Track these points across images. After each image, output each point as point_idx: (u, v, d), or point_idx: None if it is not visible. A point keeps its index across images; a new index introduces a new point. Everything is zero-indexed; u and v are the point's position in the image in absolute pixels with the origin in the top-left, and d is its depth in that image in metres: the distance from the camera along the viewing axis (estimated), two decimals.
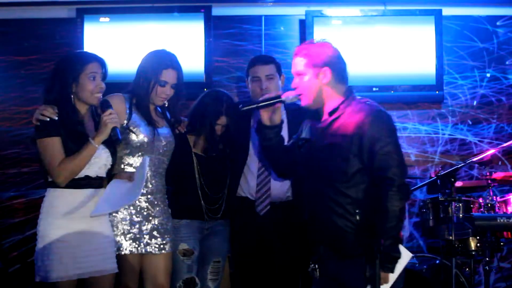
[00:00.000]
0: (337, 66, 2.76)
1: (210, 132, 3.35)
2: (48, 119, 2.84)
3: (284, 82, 3.64)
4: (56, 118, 2.85)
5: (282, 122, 2.92)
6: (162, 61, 3.18)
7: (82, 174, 2.90)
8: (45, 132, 2.85)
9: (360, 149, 2.61)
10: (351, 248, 2.63)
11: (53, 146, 2.85)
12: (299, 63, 2.76)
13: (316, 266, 2.78)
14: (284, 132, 3.50)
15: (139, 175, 2.99)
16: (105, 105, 2.95)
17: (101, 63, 2.98)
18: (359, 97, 2.79)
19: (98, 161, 2.94)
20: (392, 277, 2.59)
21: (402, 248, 2.63)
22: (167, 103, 3.25)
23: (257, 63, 3.56)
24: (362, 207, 2.62)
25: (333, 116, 2.72)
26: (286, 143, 3.48)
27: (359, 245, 2.60)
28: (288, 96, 2.81)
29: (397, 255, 2.57)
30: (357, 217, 2.61)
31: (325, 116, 2.76)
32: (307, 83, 2.74)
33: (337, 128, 2.68)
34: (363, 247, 2.59)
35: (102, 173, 2.99)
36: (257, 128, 2.94)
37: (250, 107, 2.91)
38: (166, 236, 3.19)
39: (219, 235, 3.46)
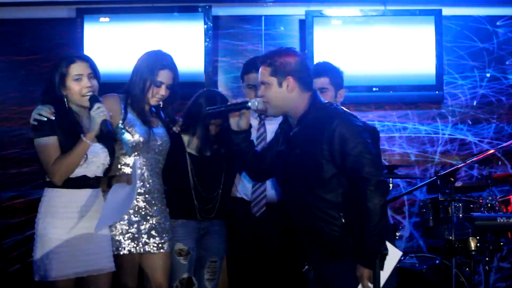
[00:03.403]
0: (301, 74, 2.76)
1: (204, 132, 3.35)
2: (45, 119, 2.85)
3: None
4: (53, 118, 2.86)
5: (250, 127, 2.93)
6: (158, 61, 3.18)
7: (79, 173, 2.90)
8: (41, 132, 2.85)
9: (331, 153, 2.62)
10: (340, 250, 2.65)
11: (49, 145, 2.85)
12: (263, 72, 2.77)
13: (310, 267, 2.80)
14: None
15: (132, 178, 2.99)
16: (92, 100, 2.91)
17: (87, 61, 2.95)
18: (324, 101, 2.81)
19: (96, 160, 2.94)
20: (383, 275, 2.60)
21: (391, 247, 2.64)
22: (162, 103, 3.26)
23: (252, 71, 3.48)
24: (345, 210, 2.63)
25: (301, 124, 2.74)
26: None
27: (348, 246, 2.62)
28: (254, 103, 2.82)
29: (384, 252, 2.59)
30: (342, 220, 2.63)
31: (294, 125, 2.78)
32: (271, 92, 2.75)
33: (307, 136, 2.69)
34: (352, 248, 2.61)
35: (100, 173, 2.99)
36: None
37: (216, 110, 2.93)
38: (164, 235, 3.20)
39: (216, 235, 3.45)
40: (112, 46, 4.49)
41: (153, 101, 3.20)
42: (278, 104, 2.76)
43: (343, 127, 2.62)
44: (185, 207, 3.36)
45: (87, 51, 4.43)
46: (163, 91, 3.18)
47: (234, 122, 2.89)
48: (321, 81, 3.39)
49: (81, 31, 4.49)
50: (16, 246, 4.50)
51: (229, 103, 2.93)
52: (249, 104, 2.83)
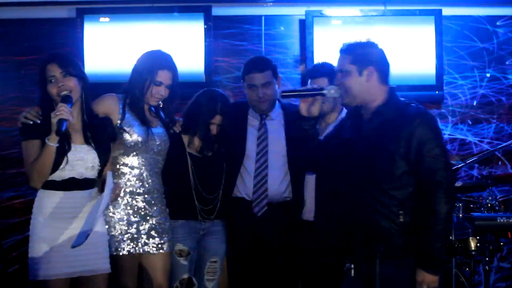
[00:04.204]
0: (381, 66, 2.77)
1: (205, 131, 3.35)
2: (30, 122, 2.84)
3: (280, 83, 3.64)
4: (38, 121, 2.85)
5: (319, 115, 2.89)
6: (157, 61, 3.19)
7: (66, 176, 2.87)
8: (24, 135, 2.86)
9: (407, 151, 2.62)
10: (394, 249, 2.64)
11: (29, 149, 2.84)
12: (344, 60, 2.76)
13: (352, 266, 2.79)
14: (281, 133, 3.51)
15: (105, 190, 2.88)
16: (62, 99, 2.84)
17: (56, 61, 2.90)
18: (402, 99, 2.81)
19: (82, 163, 2.90)
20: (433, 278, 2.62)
21: None
22: (161, 103, 3.25)
23: (252, 71, 3.49)
24: (406, 209, 2.63)
25: (378, 116, 2.72)
26: (285, 143, 3.47)
27: (403, 246, 2.62)
28: (330, 90, 2.79)
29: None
30: (401, 218, 2.62)
31: (368, 116, 2.76)
32: (350, 80, 2.73)
33: (383, 129, 2.68)
34: (408, 248, 2.61)
35: (91, 175, 2.94)
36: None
37: (290, 94, 2.90)
38: (164, 235, 3.20)
39: (216, 235, 3.45)
40: (112, 46, 4.49)
41: (152, 101, 3.20)
42: (356, 93, 2.74)
43: (425, 127, 2.63)
44: (185, 208, 3.35)
45: (87, 51, 4.45)
46: (162, 91, 3.18)
47: (305, 107, 2.86)
48: (319, 82, 3.38)
49: (81, 31, 4.49)
50: (16, 246, 4.49)
51: (303, 88, 2.86)
52: (325, 91, 2.80)
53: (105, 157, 3.00)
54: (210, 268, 3.43)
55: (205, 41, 4.47)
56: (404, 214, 2.62)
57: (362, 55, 2.73)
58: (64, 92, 2.85)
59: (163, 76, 3.17)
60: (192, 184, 3.37)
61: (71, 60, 2.98)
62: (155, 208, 3.20)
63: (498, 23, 4.66)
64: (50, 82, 2.89)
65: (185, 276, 3.33)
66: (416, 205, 2.62)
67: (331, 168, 2.97)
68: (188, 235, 3.36)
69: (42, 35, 4.61)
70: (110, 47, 4.49)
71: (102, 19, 4.52)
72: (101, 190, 3.02)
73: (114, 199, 3.02)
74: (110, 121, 3.10)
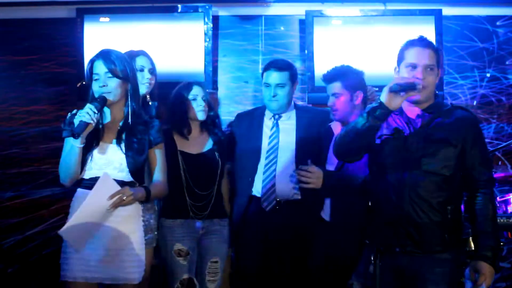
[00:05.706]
0: None
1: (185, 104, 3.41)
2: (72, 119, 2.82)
3: (295, 89, 3.68)
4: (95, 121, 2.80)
5: (392, 111, 2.77)
6: (130, 53, 3.29)
7: (93, 175, 2.83)
8: (64, 132, 2.80)
9: (462, 150, 2.73)
10: (434, 243, 2.71)
11: (65, 146, 2.85)
12: (432, 57, 2.78)
13: (373, 262, 2.81)
14: (292, 134, 3.55)
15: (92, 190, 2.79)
16: (94, 100, 2.82)
17: (104, 60, 2.86)
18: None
19: (108, 163, 2.85)
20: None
21: None
22: (148, 97, 3.34)
23: (271, 68, 3.56)
24: (452, 205, 2.73)
25: (430, 114, 2.79)
26: (295, 139, 3.54)
27: (443, 241, 2.71)
28: (419, 86, 2.70)
29: (501, 255, 2.70)
30: (448, 214, 2.71)
31: (419, 112, 2.81)
32: (432, 77, 2.79)
33: (442, 127, 2.76)
34: (447, 244, 2.71)
35: (120, 177, 2.85)
36: (372, 108, 2.78)
37: (397, 84, 2.72)
38: (148, 233, 3.17)
39: (216, 234, 3.44)
40: (112, 46, 4.44)
41: (143, 89, 3.27)
42: (431, 91, 2.80)
43: (477, 130, 2.79)
44: (178, 206, 3.35)
45: (87, 51, 4.44)
46: (148, 75, 3.31)
47: (389, 98, 2.70)
48: (333, 87, 3.42)
49: (81, 31, 4.49)
50: (16, 246, 4.49)
51: (402, 82, 2.72)
52: (418, 86, 2.70)
53: (134, 160, 2.88)
54: (211, 268, 3.42)
55: (205, 41, 4.46)
56: (450, 210, 2.71)
57: (440, 58, 2.82)
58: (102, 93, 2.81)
59: (142, 61, 3.32)
60: (184, 182, 3.37)
61: (119, 59, 2.89)
62: (140, 205, 3.18)
63: (498, 23, 4.66)
64: (95, 80, 2.85)
65: (185, 276, 3.32)
66: (462, 203, 2.77)
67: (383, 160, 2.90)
68: (186, 234, 3.35)
69: (42, 35, 4.61)
70: (110, 47, 4.47)
71: (102, 19, 4.53)
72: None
73: (116, 205, 2.77)
74: (157, 127, 2.99)
